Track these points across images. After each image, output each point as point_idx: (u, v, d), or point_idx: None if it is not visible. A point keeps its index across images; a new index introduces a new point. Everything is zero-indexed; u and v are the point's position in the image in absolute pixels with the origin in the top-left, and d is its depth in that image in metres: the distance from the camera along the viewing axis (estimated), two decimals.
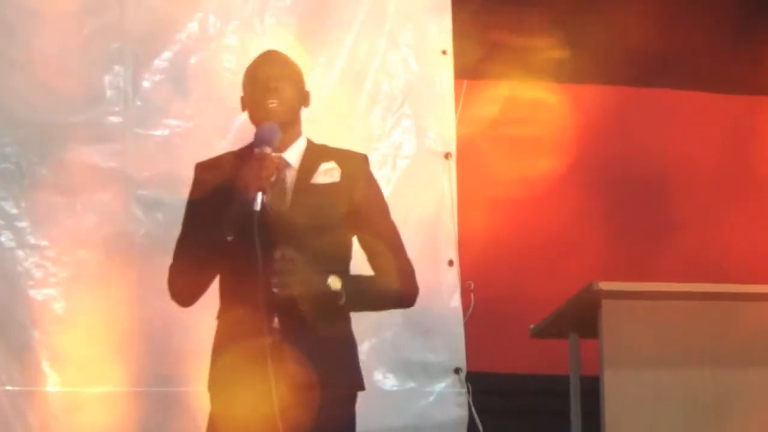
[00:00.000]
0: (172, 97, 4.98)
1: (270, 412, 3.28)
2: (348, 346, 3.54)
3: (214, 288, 3.55)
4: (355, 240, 3.57)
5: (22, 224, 4.80)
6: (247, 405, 3.34)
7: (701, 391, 4.04)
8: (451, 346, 5.14)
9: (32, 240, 4.80)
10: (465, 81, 5.38)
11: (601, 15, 5.47)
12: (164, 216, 4.79)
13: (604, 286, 4.03)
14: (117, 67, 4.94)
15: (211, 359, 3.51)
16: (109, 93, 4.92)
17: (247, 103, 3.58)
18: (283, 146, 3.49)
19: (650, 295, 4.11)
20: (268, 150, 3.38)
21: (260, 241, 3.29)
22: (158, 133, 4.96)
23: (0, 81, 4.82)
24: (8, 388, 4.69)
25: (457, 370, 5.14)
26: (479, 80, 5.44)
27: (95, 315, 4.77)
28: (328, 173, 3.51)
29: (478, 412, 5.11)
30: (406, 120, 5.26)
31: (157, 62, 4.99)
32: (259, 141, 3.42)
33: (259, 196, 3.31)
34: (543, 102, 5.47)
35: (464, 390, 5.13)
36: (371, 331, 4.86)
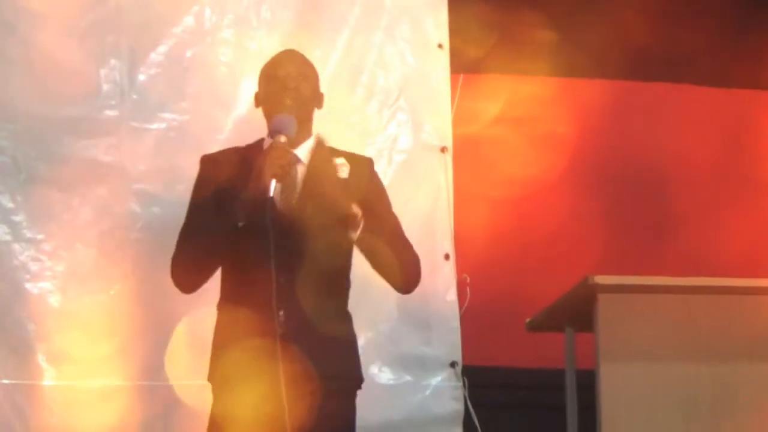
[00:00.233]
0: (169, 90, 4.97)
1: (277, 405, 3.29)
2: (349, 340, 3.58)
3: (213, 279, 3.55)
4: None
5: (18, 218, 4.80)
6: (252, 397, 3.35)
7: (697, 384, 4.05)
8: (447, 339, 5.14)
9: (28, 234, 4.80)
10: (461, 75, 5.38)
11: (598, 9, 5.47)
12: (161, 210, 4.78)
13: (600, 279, 4.04)
14: (113, 61, 4.93)
15: (213, 350, 3.52)
16: (105, 86, 4.92)
17: (262, 99, 3.62)
18: (295, 143, 3.53)
19: (646, 289, 4.11)
20: (283, 139, 3.40)
21: (277, 244, 3.30)
22: (154, 126, 4.95)
23: None
24: (5, 381, 4.69)
25: (453, 364, 5.14)
26: (475, 74, 5.44)
27: (91, 309, 4.77)
28: (338, 168, 3.55)
29: (474, 406, 5.12)
30: (402, 114, 5.26)
31: (153, 56, 4.98)
32: (276, 129, 3.45)
33: (273, 183, 3.33)
34: (540, 96, 5.46)
35: (460, 384, 5.13)
36: (367, 325, 4.86)
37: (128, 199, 4.88)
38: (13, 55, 4.83)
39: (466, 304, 5.18)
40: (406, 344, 5.09)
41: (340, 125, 4.94)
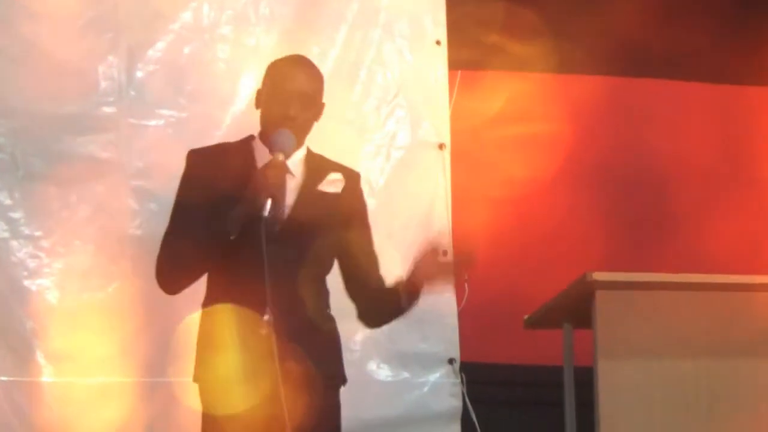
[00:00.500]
0: (166, 87, 4.97)
1: (272, 404, 3.29)
2: (332, 339, 3.58)
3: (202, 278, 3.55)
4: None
5: (16, 215, 4.79)
6: (244, 397, 3.34)
7: (695, 381, 4.05)
8: (445, 336, 5.14)
9: (26, 230, 4.79)
10: (459, 72, 5.38)
11: (597, 5, 5.47)
12: (158, 206, 4.77)
13: (598, 276, 4.04)
14: (111, 58, 4.93)
15: (198, 351, 3.50)
16: (103, 83, 4.91)
17: (263, 103, 3.57)
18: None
19: (644, 286, 4.11)
20: (281, 157, 3.39)
21: (267, 250, 3.30)
22: (152, 123, 4.95)
23: None
24: (3, 378, 4.68)
25: (451, 361, 5.14)
26: (473, 71, 5.44)
27: (90, 305, 4.76)
28: (332, 184, 3.56)
29: (472, 403, 5.12)
30: (401, 110, 5.26)
31: (151, 52, 4.98)
32: (278, 146, 3.42)
33: (269, 202, 3.32)
34: (537, 92, 5.46)
35: (458, 380, 5.13)
36: None
37: (126, 195, 4.87)
38: (11, 52, 4.83)
39: (464, 301, 5.18)
40: (404, 341, 5.08)
41: (339, 122, 4.94)
